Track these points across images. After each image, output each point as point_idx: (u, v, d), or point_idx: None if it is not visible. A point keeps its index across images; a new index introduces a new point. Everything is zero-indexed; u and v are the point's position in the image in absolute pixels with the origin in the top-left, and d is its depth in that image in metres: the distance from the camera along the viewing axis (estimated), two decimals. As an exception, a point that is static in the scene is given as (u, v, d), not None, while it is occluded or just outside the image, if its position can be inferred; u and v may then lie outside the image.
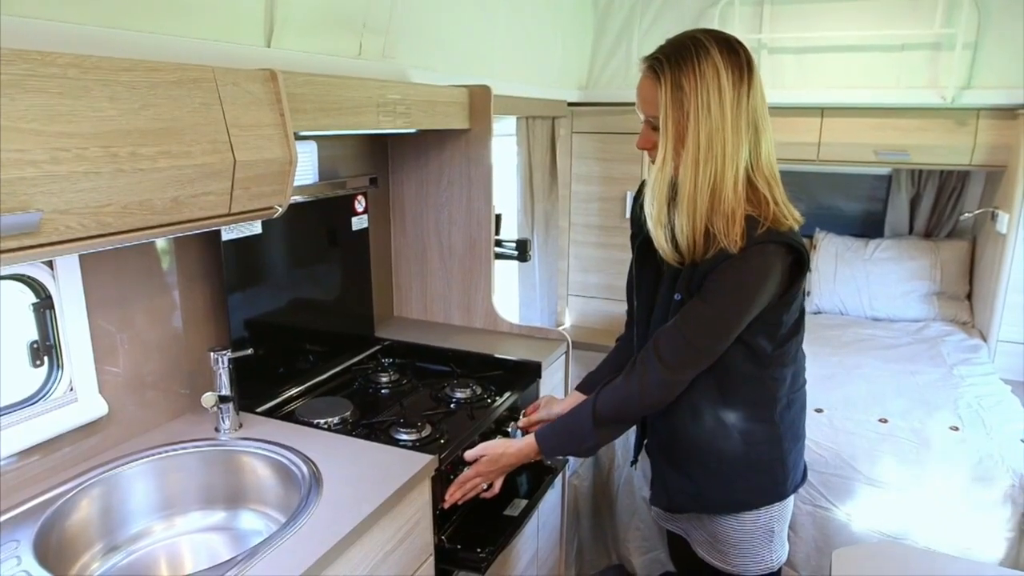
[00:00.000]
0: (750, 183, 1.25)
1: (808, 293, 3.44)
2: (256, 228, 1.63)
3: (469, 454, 1.51)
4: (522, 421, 1.71)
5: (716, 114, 1.20)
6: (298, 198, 1.74)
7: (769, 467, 1.42)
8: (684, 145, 1.23)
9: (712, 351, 1.30)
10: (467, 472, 1.50)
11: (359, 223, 1.99)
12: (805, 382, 1.48)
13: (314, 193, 1.80)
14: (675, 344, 1.30)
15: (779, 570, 1.51)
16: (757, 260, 1.23)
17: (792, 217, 1.28)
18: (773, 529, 1.46)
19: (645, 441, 1.57)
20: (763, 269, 1.24)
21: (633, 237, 1.49)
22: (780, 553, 1.50)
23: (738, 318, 1.27)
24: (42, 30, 1.06)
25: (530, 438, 1.47)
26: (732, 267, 1.23)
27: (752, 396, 1.38)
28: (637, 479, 2.35)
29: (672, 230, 1.28)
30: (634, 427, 1.57)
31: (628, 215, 1.65)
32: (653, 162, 1.30)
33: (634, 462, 1.67)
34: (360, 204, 1.97)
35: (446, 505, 1.49)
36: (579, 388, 1.69)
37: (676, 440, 1.43)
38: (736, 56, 1.22)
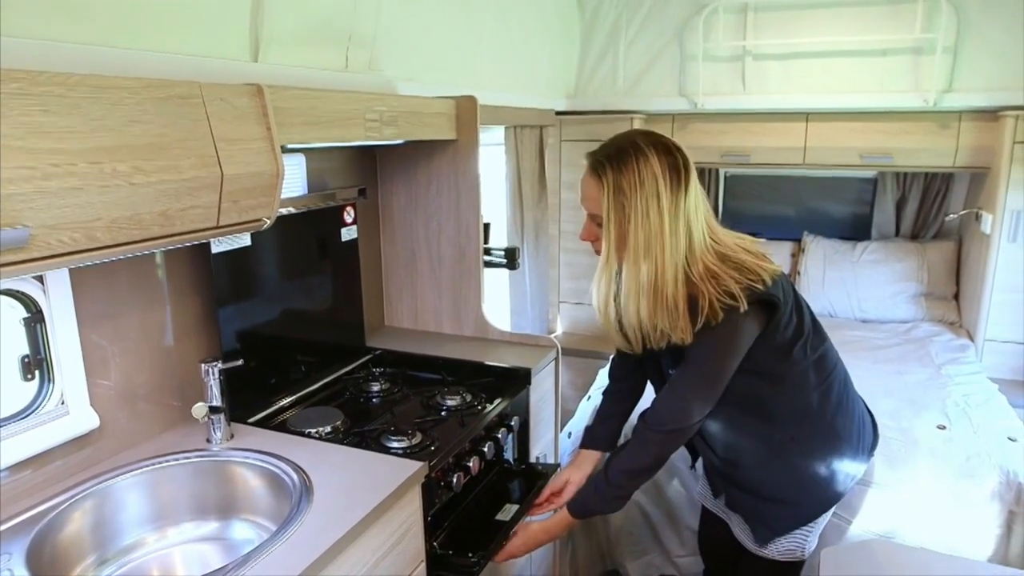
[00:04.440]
0: (688, 278, 1.33)
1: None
2: (245, 240, 1.64)
3: (514, 548, 1.57)
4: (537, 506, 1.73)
5: (655, 219, 1.29)
6: (290, 209, 1.76)
7: (840, 451, 1.50)
8: (626, 245, 1.32)
9: (708, 399, 1.41)
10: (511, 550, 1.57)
11: (348, 234, 2.00)
12: (835, 360, 1.55)
13: (303, 205, 1.82)
14: (671, 401, 1.43)
15: (799, 562, 1.59)
16: (716, 334, 1.33)
17: (746, 284, 1.32)
18: (820, 520, 1.56)
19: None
20: (726, 336, 1.34)
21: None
22: (813, 542, 1.58)
23: (722, 372, 1.38)
24: (30, 49, 1.08)
25: (562, 513, 1.56)
26: (698, 343, 1.34)
27: (786, 408, 1.46)
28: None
29: (620, 322, 1.40)
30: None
31: None
32: (597, 253, 1.42)
33: (692, 466, 1.78)
34: (349, 215, 1.99)
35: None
36: (584, 446, 1.74)
37: (753, 481, 1.51)
38: (673, 159, 1.31)
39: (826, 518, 1.59)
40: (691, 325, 1.32)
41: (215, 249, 1.56)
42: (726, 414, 1.46)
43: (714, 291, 1.30)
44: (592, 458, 1.70)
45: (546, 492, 1.69)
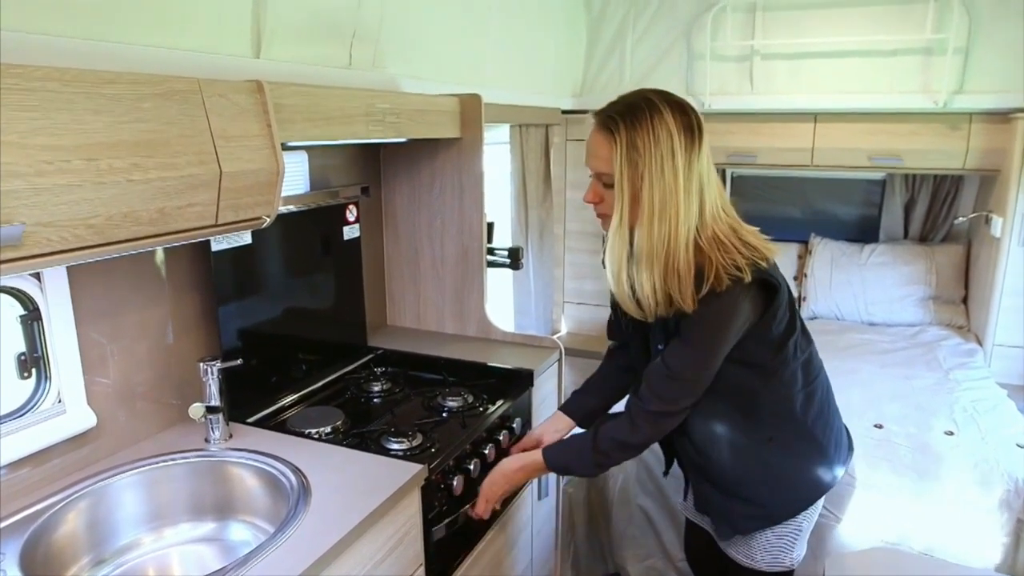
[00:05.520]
0: (697, 245, 1.29)
1: (804, 299, 3.44)
2: (246, 238, 1.63)
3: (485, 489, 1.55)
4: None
5: (669, 177, 1.24)
6: (291, 208, 1.74)
7: (815, 460, 1.47)
8: (639, 205, 1.26)
9: (698, 381, 1.36)
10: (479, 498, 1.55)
11: (351, 232, 1.99)
12: (820, 367, 1.51)
13: (306, 203, 1.81)
14: (661, 380, 1.37)
15: (789, 572, 1.55)
16: (718, 303, 1.28)
17: (750, 260, 1.28)
18: (804, 529, 1.52)
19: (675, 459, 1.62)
20: (726, 310, 1.29)
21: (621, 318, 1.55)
22: (800, 550, 1.54)
23: (714, 352, 1.33)
24: (27, 43, 1.06)
25: (536, 453, 1.51)
26: (698, 313, 1.28)
27: (772, 406, 1.42)
28: (632, 487, 2.34)
29: (632, 288, 1.32)
30: (659, 446, 1.63)
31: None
32: (598, 216, 1.38)
33: (666, 473, 1.71)
34: (352, 214, 1.98)
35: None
36: (563, 408, 1.71)
37: (725, 476, 1.47)
38: (687, 118, 1.26)
39: (809, 526, 1.54)
40: (695, 292, 1.28)
41: (215, 247, 1.55)
42: (712, 405, 1.41)
43: (721, 260, 1.26)
44: (567, 424, 1.68)
45: (516, 451, 1.67)
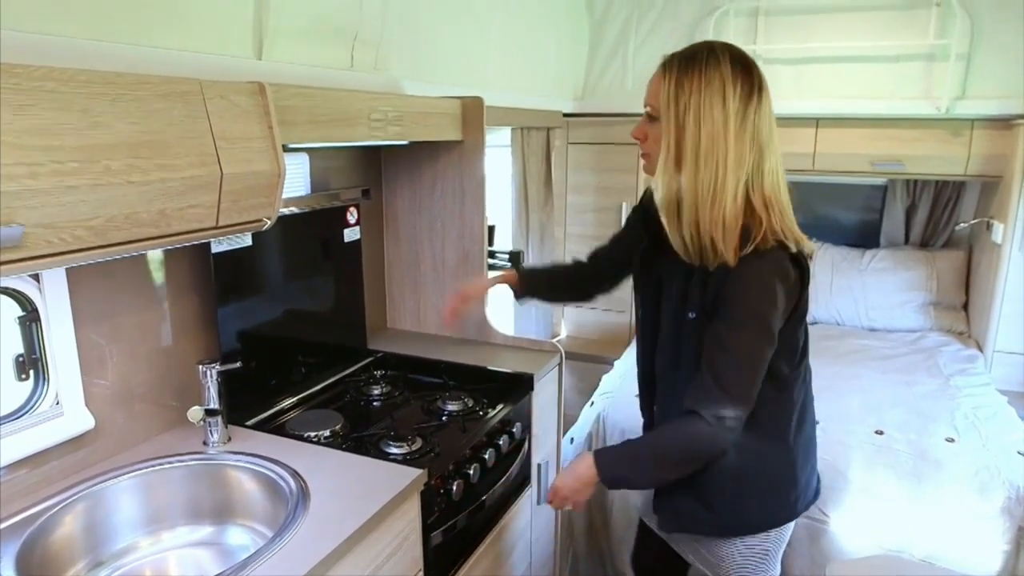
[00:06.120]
0: (748, 201, 1.24)
1: (805, 304, 3.43)
2: (247, 240, 1.62)
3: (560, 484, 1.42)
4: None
5: (718, 119, 1.20)
6: (292, 209, 1.74)
7: (784, 489, 1.42)
8: (684, 143, 1.22)
9: (765, 361, 1.27)
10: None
11: (351, 235, 1.98)
12: (812, 398, 1.47)
13: (307, 205, 1.80)
14: (733, 371, 1.25)
15: None
16: (760, 261, 1.23)
17: (794, 239, 1.26)
18: (773, 551, 1.46)
19: None
20: (770, 268, 1.23)
21: (630, 244, 1.50)
22: (773, 573, 1.49)
23: (771, 322, 1.24)
24: (25, 43, 1.05)
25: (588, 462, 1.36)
26: (742, 282, 1.23)
27: (768, 418, 1.36)
28: (631, 493, 2.33)
29: (680, 230, 1.27)
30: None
31: (625, 223, 1.66)
32: (643, 157, 1.34)
33: None
34: (352, 216, 1.97)
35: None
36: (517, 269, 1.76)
37: (694, 477, 1.37)
38: (748, 74, 1.23)
39: (782, 543, 1.48)
40: (739, 247, 1.22)
41: (215, 248, 1.54)
42: None
43: (771, 223, 1.22)
44: (511, 279, 1.75)
45: (458, 300, 1.73)
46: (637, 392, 1.56)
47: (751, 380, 1.26)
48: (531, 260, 3.04)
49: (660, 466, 1.34)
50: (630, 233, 1.56)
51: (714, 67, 1.21)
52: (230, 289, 1.61)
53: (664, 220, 1.28)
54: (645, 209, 1.42)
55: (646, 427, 1.55)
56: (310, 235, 1.86)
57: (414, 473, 1.38)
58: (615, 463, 1.36)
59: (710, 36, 2.98)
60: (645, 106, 1.31)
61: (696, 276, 1.29)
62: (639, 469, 1.35)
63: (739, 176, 1.21)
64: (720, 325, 1.26)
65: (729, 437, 1.27)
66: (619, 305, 3.37)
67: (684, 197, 1.24)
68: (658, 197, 1.28)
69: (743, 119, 1.21)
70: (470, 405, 1.76)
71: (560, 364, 2.10)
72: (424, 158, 2.10)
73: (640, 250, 1.45)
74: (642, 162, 1.36)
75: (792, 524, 1.48)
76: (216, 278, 1.57)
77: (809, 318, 3.51)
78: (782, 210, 1.26)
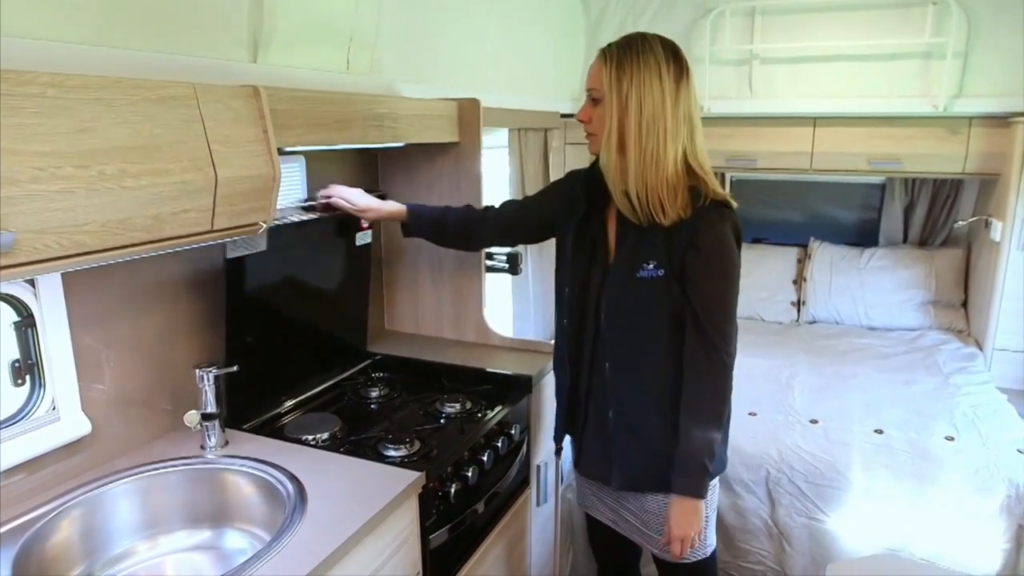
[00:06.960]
0: (688, 167, 1.39)
1: (803, 303, 3.43)
2: (261, 245, 1.56)
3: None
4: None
5: (657, 95, 1.34)
6: (312, 215, 1.72)
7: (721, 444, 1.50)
8: (628, 118, 1.35)
9: (731, 309, 1.43)
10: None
11: (363, 238, 1.97)
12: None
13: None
14: (721, 321, 1.40)
15: (712, 558, 1.57)
16: (719, 224, 1.38)
17: (727, 201, 1.42)
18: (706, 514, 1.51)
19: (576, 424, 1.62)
20: (729, 232, 1.40)
21: (553, 213, 1.62)
22: (710, 539, 1.56)
23: (735, 264, 1.41)
24: (18, 48, 1.05)
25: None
26: (708, 235, 1.37)
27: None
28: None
29: (627, 196, 1.39)
30: (558, 409, 1.64)
31: (545, 192, 1.83)
32: (587, 137, 1.47)
33: (559, 450, 1.71)
34: (365, 220, 1.94)
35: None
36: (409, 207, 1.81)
37: (647, 419, 1.48)
38: (677, 59, 1.38)
39: (711, 513, 1.54)
40: (692, 202, 1.37)
41: (231, 254, 1.51)
42: (668, 357, 1.43)
43: (713, 185, 1.39)
44: (399, 213, 1.81)
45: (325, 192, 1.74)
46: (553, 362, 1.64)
47: (731, 325, 1.42)
48: (529, 262, 3.04)
49: (717, 421, 1.43)
50: (554, 202, 1.66)
51: (649, 51, 1.35)
52: (227, 293, 1.60)
53: (611, 187, 1.42)
54: (585, 181, 1.54)
55: (570, 389, 1.59)
56: (326, 239, 1.86)
57: (412, 476, 1.38)
58: (699, 473, 1.42)
59: (706, 38, 2.98)
60: (588, 90, 1.43)
61: (651, 236, 1.40)
62: (711, 451, 1.42)
63: (676, 145, 1.37)
64: (698, 283, 1.40)
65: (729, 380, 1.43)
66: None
67: (630, 166, 1.36)
68: (606, 168, 1.41)
69: (676, 97, 1.36)
70: (468, 407, 1.76)
71: (558, 365, 2.09)
72: (421, 160, 2.10)
73: (577, 219, 1.53)
74: (588, 143, 1.48)
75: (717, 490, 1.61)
76: (227, 282, 1.55)
77: (808, 317, 3.53)
78: (712, 175, 1.42)
